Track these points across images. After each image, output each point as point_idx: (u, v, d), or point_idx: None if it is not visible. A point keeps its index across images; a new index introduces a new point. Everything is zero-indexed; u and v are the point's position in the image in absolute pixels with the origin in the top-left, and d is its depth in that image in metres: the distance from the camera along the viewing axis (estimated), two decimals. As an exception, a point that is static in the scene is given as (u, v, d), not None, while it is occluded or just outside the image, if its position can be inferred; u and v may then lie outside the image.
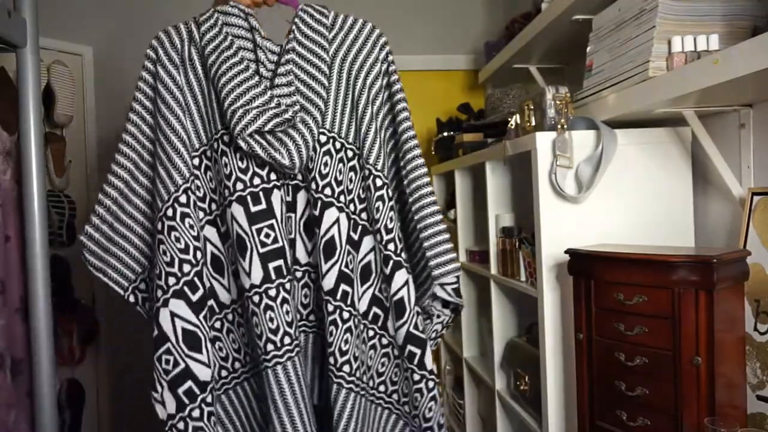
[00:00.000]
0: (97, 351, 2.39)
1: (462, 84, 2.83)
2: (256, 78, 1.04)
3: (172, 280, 1.03)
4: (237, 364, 1.13)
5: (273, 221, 1.06)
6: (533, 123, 1.41)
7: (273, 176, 1.08)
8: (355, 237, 1.11)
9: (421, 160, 1.14)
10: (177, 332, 1.03)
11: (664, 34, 1.13)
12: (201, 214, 1.10)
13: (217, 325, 1.12)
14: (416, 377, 1.09)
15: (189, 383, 1.03)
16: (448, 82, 2.82)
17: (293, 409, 1.05)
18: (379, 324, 1.14)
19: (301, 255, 1.13)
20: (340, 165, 1.10)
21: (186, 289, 1.04)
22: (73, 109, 2.22)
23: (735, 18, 1.13)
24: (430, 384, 1.10)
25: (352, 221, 1.11)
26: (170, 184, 1.04)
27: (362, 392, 1.11)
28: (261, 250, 1.05)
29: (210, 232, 1.11)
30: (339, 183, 1.10)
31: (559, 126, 1.32)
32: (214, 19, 1.07)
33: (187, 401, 1.03)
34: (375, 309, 1.13)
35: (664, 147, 1.38)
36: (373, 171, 1.09)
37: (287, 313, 1.06)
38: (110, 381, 2.45)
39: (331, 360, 1.07)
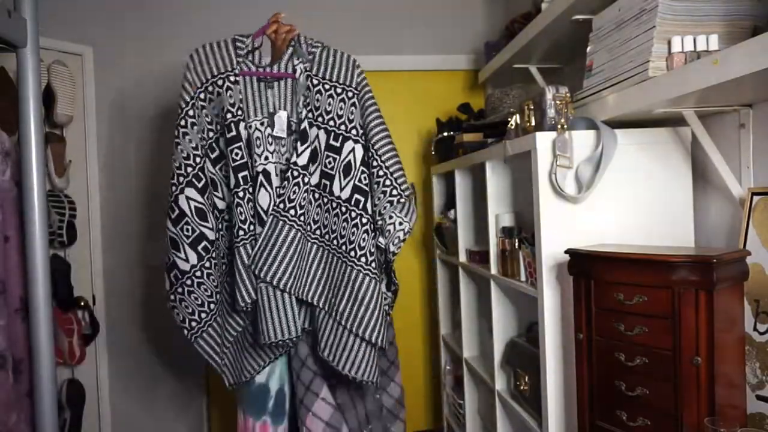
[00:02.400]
0: (97, 351, 2.39)
1: (462, 84, 2.83)
2: None
3: (181, 178, 1.48)
4: (241, 232, 1.48)
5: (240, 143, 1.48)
6: (533, 123, 1.41)
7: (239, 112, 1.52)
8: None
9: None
10: (192, 209, 1.48)
11: (664, 34, 1.13)
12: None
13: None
14: (353, 214, 1.52)
15: (204, 242, 1.49)
16: (448, 82, 2.82)
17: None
18: (327, 191, 1.55)
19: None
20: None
21: (194, 180, 1.48)
22: (73, 109, 2.22)
23: (735, 18, 1.13)
24: (364, 221, 1.53)
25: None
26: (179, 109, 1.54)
27: (302, 229, 1.50)
28: (233, 165, 1.48)
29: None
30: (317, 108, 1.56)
31: (559, 126, 1.32)
32: None
33: (204, 254, 1.49)
34: (324, 180, 1.55)
35: (664, 147, 1.38)
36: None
37: (252, 208, 1.47)
38: (110, 381, 2.45)
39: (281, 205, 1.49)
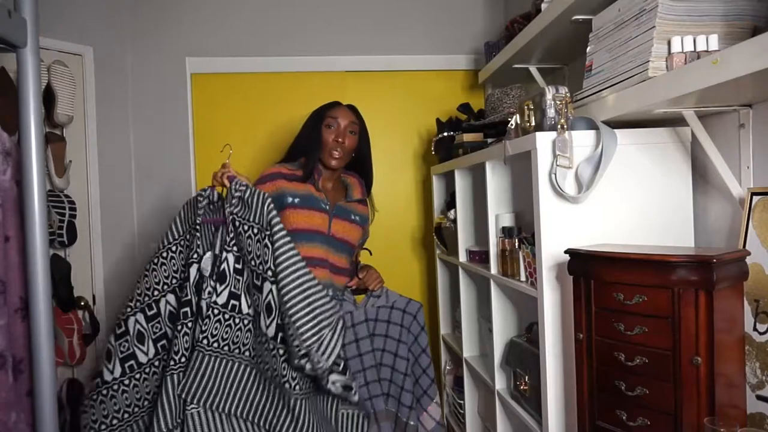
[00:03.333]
0: (97, 351, 2.39)
1: (462, 84, 2.83)
2: None
3: (138, 303, 1.59)
4: (171, 362, 1.55)
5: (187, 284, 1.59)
6: (533, 123, 1.41)
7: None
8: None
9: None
10: (134, 331, 1.58)
11: (663, 35, 1.13)
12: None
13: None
14: (281, 351, 1.53)
15: (132, 362, 1.57)
16: (448, 82, 2.82)
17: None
18: (242, 313, 1.58)
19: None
20: None
21: (146, 308, 1.60)
22: (73, 109, 2.22)
23: (735, 18, 1.13)
24: (280, 352, 1.53)
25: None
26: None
27: (217, 354, 1.56)
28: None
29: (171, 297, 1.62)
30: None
31: (559, 126, 1.32)
32: None
33: (128, 372, 1.56)
34: (254, 313, 1.59)
35: (664, 147, 1.38)
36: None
37: (187, 341, 1.56)
38: (110, 381, 2.45)
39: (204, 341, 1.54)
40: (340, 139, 1.82)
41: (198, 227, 1.61)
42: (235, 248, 1.58)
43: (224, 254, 1.57)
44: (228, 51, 2.64)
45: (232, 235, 1.57)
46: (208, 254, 1.59)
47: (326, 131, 1.83)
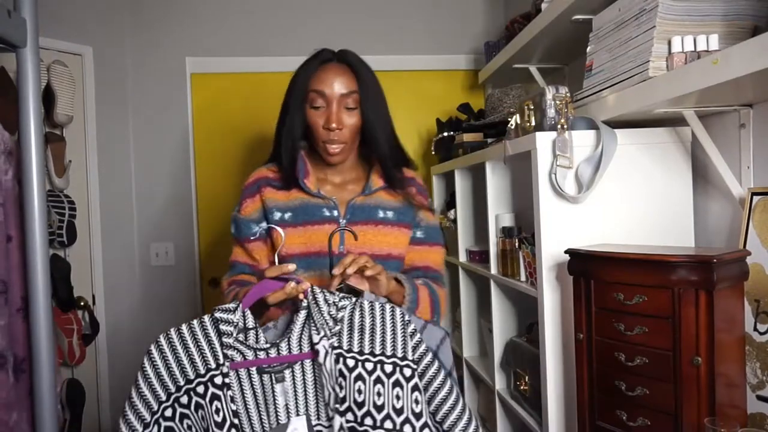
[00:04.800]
0: (97, 351, 2.39)
1: (462, 84, 2.83)
2: None
3: None
4: None
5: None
6: (533, 123, 1.41)
7: None
8: None
9: None
10: None
11: (664, 34, 1.13)
12: None
13: None
14: None
15: None
16: (448, 82, 2.82)
17: None
18: None
19: None
20: None
21: None
22: (73, 109, 2.22)
23: (735, 18, 1.13)
24: None
25: None
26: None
27: None
28: None
29: None
30: None
31: (559, 126, 1.32)
32: None
33: None
34: None
35: (664, 147, 1.38)
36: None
37: None
38: (110, 381, 2.45)
39: None
40: (333, 125, 1.24)
41: (224, 381, 0.96)
42: (350, 408, 0.96)
43: (336, 417, 0.94)
44: (227, 51, 2.64)
45: (341, 389, 0.96)
46: (297, 420, 0.97)
47: (313, 114, 1.26)
